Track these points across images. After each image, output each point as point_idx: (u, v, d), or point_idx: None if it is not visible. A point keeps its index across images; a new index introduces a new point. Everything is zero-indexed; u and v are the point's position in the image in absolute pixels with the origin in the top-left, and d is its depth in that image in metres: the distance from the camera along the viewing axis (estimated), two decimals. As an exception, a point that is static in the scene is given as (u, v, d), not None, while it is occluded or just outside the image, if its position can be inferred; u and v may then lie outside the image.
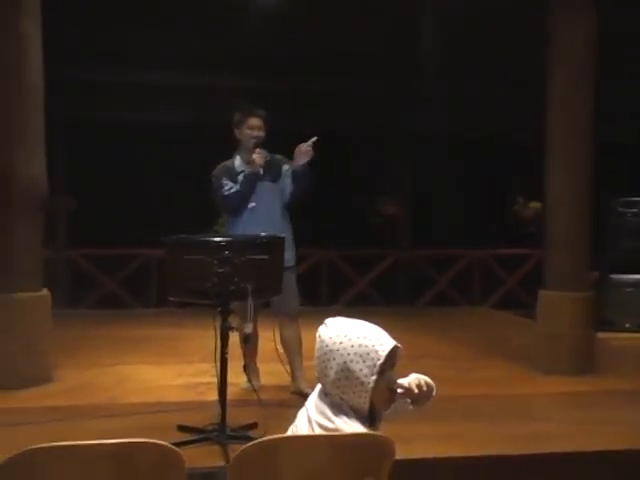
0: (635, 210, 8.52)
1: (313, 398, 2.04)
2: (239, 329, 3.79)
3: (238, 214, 4.84)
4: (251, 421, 3.96)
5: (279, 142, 4.91)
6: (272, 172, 4.90)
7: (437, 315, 8.91)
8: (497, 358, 6.33)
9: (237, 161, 4.93)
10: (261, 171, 4.85)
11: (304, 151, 4.75)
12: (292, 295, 4.86)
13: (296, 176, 4.85)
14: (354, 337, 1.96)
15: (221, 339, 3.69)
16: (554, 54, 5.78)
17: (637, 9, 6.78)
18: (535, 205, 9.27)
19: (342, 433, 1.91)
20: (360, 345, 1.95)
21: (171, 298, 3.96)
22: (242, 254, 3.66)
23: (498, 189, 10.36)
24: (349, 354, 1.94)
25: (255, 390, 4.10)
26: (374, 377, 1.94)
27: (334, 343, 1.97)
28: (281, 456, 1.82)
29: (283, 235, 4.28)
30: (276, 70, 8.53)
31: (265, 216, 4.77)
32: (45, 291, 5.17)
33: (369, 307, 9.10)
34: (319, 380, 2.03)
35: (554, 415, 4.91)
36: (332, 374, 1.96)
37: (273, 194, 4.88)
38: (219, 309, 3.73)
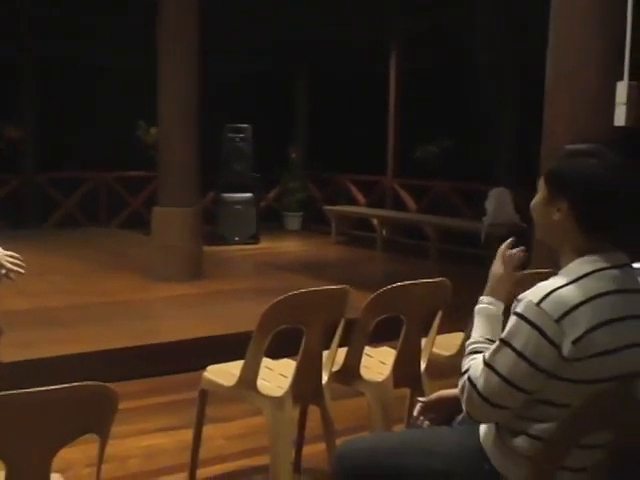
0: (242, 135, 9.51)
1: None
2: None
3: None
4: None
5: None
6: None
7: (64, 236, 9.13)
8: (120, 271, 6.90)
9: None
10: None
11: None
12: None
13: None
14: None
15: None
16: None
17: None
18: (155, 130, 9.76)
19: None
20: None
21: None
22: None
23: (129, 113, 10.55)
24: None
25: None
26: None
27: None
28: None
29: None
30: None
31: None
32: None
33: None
34: None
35: (167, 313, 5.69)
36: None
37: None
38: None
